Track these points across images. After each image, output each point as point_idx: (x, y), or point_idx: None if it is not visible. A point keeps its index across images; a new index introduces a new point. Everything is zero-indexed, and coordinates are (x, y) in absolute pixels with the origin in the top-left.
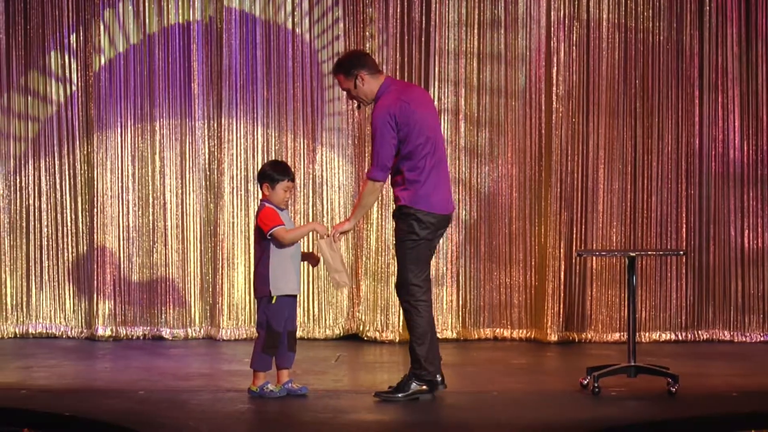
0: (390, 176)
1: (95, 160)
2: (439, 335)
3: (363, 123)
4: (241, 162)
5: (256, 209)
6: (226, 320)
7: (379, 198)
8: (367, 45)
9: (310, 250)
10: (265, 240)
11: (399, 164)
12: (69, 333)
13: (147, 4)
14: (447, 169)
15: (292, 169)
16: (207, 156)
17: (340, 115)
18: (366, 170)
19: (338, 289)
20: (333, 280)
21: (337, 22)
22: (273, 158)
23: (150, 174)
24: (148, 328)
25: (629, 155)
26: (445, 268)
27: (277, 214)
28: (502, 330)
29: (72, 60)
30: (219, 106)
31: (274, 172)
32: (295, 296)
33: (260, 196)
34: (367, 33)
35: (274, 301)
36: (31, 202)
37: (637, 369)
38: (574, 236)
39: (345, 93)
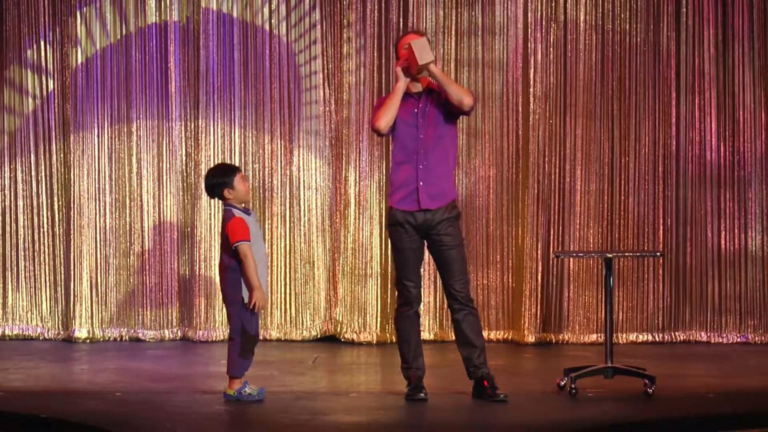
0: (430, 165)
1: (72, 162)
2: None
3: (340, 125)
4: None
5: (222, 216)
6: (204, 322)
7: (355, 199)
8: (345, 48)
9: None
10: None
11: (454, 150)
12: (45, 335)
13: (123, 4)
14: None
15: (269, 170)
16: (184, 157)
17: (318, 118)
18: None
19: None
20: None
21: (315, 26)
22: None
23: (127, 175)
24: (125, 329)
25: (606, 156)
26: (422, 270)
27: (247, 227)
28: None
29: (48, 60)
30: (196, 108)
31: (224, 176)
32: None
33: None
34: (345, 36)
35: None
36: (7, 203)
37: (614, 370)
38: (552, 237)
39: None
